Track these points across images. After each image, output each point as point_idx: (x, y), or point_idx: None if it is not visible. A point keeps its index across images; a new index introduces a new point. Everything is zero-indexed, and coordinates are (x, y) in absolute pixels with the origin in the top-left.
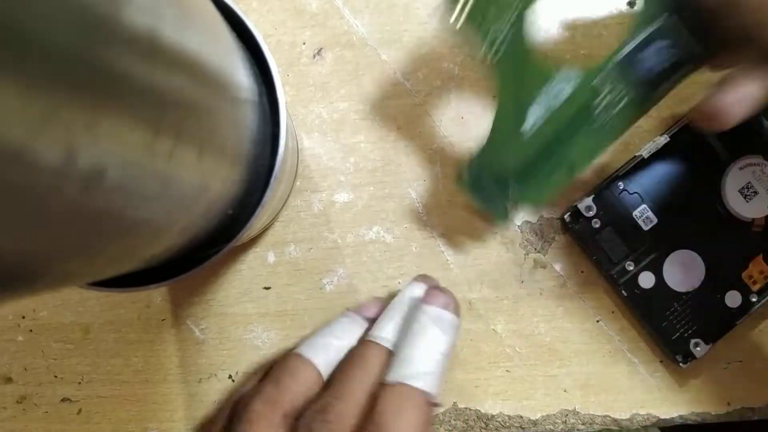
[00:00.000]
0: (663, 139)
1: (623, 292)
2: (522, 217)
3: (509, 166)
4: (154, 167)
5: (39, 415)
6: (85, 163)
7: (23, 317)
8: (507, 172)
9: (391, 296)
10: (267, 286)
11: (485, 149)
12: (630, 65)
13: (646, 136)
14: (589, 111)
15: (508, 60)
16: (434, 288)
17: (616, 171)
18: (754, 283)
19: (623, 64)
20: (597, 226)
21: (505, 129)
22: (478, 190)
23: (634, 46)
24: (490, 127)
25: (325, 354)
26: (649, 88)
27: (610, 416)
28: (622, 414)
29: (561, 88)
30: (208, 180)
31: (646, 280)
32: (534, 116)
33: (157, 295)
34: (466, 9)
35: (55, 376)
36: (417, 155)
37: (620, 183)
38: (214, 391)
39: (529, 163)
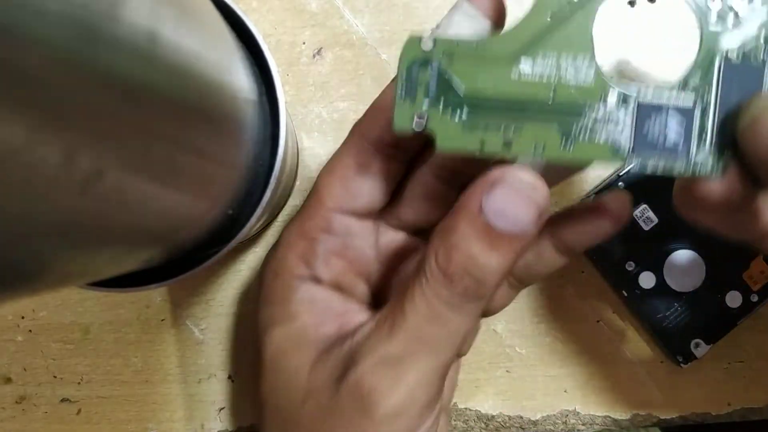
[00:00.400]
0: None
1: (623, 292)
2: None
3: (473, 83)
4: (153, 167)
5: (38, 415)
6: (85, 164)
7: (23, 317)
8: (463, 81)
9: None
10: None
11: (476, 46)
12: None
13: None
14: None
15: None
16: None
17: (617, 171)
18: (755, 283)
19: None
20: None
21: (506, 47)
22: (406, 62)
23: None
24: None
25: None
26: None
27: (610, 417)
28: (622, 414)
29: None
30: (207, 180)
31: (647, 280)
32: (539, 66)
33: (156, 295)
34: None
35: (55, 377)
36: None
37: (620, 183)
38: (214, 391)
39: (487, 98)
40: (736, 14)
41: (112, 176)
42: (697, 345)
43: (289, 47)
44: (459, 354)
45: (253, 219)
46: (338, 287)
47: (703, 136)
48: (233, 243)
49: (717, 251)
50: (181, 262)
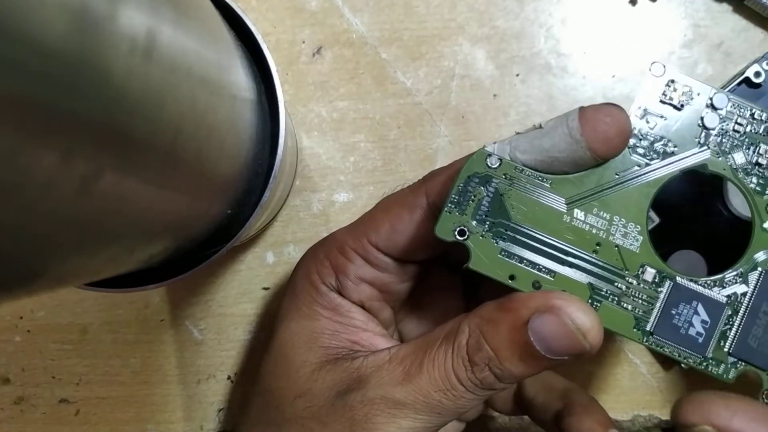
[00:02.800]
0: None
1: None
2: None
3: (524, 214)
4: (151, 167)
5: (37, 416)
6: (82, 163)
7: (21, 318)
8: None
9: None
10: (266, 286)
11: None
12: None
13: None
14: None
15: None
16: None
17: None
18: None
19: None
20: None
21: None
22: (467, 173)
23: None
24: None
25: None
26: None
27: (611, 417)
28: (623, 415)
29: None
30: (206, 179)
31: None
32: (592, 217)
33: (155, 295)
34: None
35: (53, 377)
36: (417, 155)
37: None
38: (213, 392)
39: (533, 232)
40: None
41: (110, 176)
42: None
43: (288, 46)
44: (462, 419)
45: (253, 219)
46: (363, 307)
47: (726, 336)
48: (232, 243)
49: (719, 252)
50: (180, 262)
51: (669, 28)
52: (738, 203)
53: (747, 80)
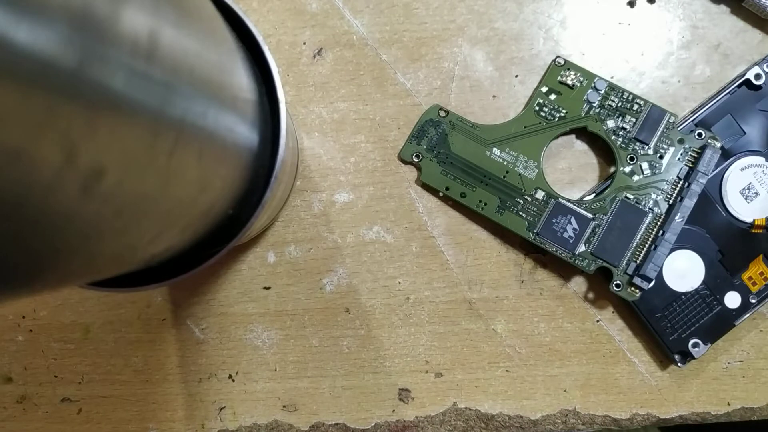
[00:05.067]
0: None
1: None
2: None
3: (459, 148)
4: (154, 167)
5: (39, 415)
6: (85, 163)
7: (23, 317)
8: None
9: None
10: (267, 286)
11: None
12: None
13: None
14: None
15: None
16: None
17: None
18: (754, 284)
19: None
20: None
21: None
22: (425, 118)
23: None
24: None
25: None
26: None
27: (610, 416)
28: (622, 414)
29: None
30: (208, 180)
31: None
32: (505, 154)
33: (157, 295)
34: None
35: (55, 376)
36: None
37: None
38: (214, 391)
39: (464, 160)
40: (643, 171)
41: (113, 176)
42: (695, 345)
43: (289, 47)
44: None
45: (254, 219)
46: None
47: (590, 241)
48: (234, 243)
49: (716, 252)
50: (182, 262)
51: (667, 29)
52: (737, 205)
53: (747, 82)
